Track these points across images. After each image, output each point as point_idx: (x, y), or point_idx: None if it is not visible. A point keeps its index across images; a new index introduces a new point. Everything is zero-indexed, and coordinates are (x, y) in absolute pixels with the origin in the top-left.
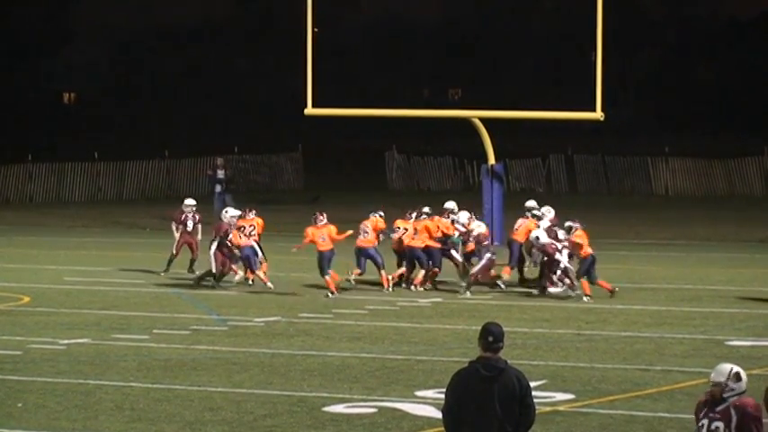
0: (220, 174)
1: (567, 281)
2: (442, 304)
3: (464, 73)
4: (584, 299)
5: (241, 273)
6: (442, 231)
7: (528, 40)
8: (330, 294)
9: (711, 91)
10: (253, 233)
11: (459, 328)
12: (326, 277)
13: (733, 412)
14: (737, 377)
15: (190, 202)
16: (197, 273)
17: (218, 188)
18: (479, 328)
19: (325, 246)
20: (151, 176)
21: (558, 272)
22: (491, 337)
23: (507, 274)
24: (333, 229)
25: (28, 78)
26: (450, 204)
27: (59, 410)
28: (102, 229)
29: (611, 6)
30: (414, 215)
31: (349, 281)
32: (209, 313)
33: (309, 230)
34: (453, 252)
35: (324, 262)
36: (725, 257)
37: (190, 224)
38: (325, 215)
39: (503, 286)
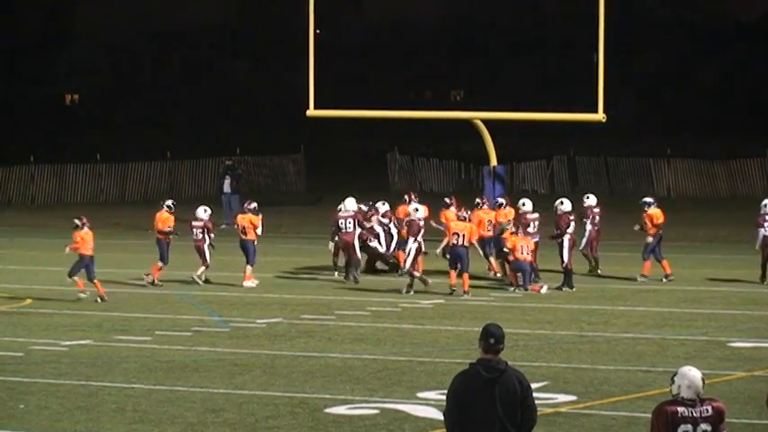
0: (228, 180)
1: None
2: (443, 305)
3: (466, 74)
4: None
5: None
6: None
7: (530, 42)
8: (81, 295)
9: (714, 92)
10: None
11: (461, 329)
12: (75, 278)
13: None
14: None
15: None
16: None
17: (226, 188)
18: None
19: (88, 251)
20: (153, 178)
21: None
22: (492, 338)
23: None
24: (91, 234)
25: (30, 79)
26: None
27: (61, 412)
28: (104, 230)
29: (613, 7)
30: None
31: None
32: (210, 315)
33: (78, 235)
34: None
35: (81, 266)
36: (727, 259)
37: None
38: (85, 219)
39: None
